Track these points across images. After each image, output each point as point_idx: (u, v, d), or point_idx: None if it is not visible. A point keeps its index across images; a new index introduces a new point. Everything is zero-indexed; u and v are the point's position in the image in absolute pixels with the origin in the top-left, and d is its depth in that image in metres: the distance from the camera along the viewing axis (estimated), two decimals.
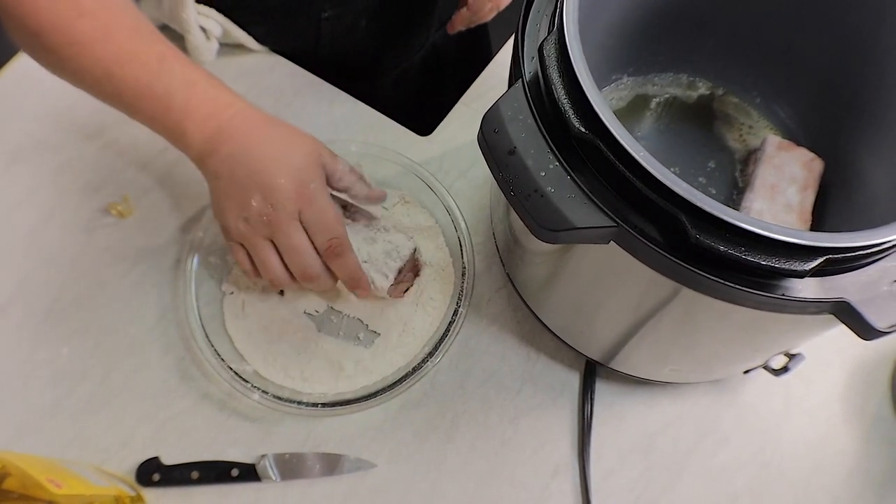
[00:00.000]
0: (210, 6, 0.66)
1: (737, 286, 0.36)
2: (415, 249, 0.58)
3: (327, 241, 0.50)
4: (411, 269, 0.59)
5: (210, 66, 0.69)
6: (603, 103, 0.36)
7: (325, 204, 0.50)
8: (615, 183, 0.37)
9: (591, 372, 0.59)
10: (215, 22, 0.66)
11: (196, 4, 0.64)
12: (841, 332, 0.38)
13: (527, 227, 0.37)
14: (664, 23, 0.56)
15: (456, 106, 0.71)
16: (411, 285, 0.59)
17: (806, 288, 0.37)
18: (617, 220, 0.36)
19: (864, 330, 0.36)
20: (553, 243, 0.38)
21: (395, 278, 0.56)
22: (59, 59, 0.49)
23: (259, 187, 0.49)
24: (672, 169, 0.58)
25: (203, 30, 0.66)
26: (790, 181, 0.54)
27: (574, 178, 0.37)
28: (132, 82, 0.49)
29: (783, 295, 0.36)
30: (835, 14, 0.52)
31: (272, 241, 0.50)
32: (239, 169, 0.49)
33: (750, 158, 0.58)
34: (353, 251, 0.52)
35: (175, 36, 0.68)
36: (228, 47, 0.71)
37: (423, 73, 0.88)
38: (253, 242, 0.50)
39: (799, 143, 0.56)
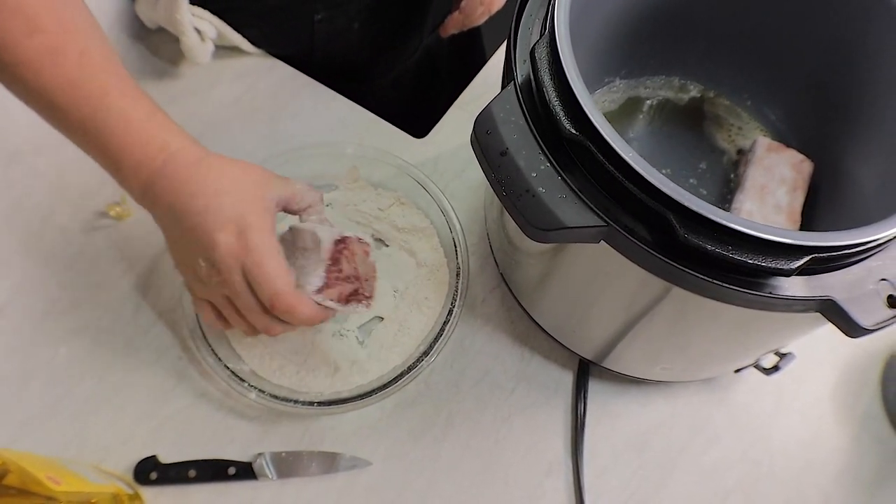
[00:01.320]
0: (204, 8, 0.66)
1: (725, 284, 0.36)
2: (339, 239, 0.48)
3: (268, 298, 0.46)
4: (353, 272, 0.50)
5: (206, 69, 0.70)
6: (593, 106, 0.37)
7: (261, 256, 0.45)
8: (605, 183, 0.38)
9: (585, 371, 0.60)
10: (209, 24, 0.67)
11: (191, 6, 0.64)
12: (831, 332, 0.39)
13: (518, 226, 0.38)
14: (656, 26, 0.57)
15: (451, 108, 0.72)
16: (363, 292, 0.50)
17: (793, 286, 0.37)
18: (607, 219, 0.37)
19: (850, 328, 0.37)
20: (544, 242, 0.39)
21: (327, 280, 0.49)
22: (7, 79, 0.46)
23: (200, 248, 0.46)
24: (664, 170, 0.59)
25: (198, 31, 0.66)
26: (780, 182, 0.55)
27: (565, 178, 0.38)
28: (74, 115, 0.45)
29: (770, 293, 0.37)
30: (824, 17, 0.53)
31: None
32: (177, 228, 0.46)
33: (740, 160, 0.59)
34: (303, 298, 0.47)
35: (171, 38, 0.68)
36: (225, 50, 0.71)
37: (418, 75, 0.89)
38: (215, 301, 0.49)
39: (789, 145, 0.56)
